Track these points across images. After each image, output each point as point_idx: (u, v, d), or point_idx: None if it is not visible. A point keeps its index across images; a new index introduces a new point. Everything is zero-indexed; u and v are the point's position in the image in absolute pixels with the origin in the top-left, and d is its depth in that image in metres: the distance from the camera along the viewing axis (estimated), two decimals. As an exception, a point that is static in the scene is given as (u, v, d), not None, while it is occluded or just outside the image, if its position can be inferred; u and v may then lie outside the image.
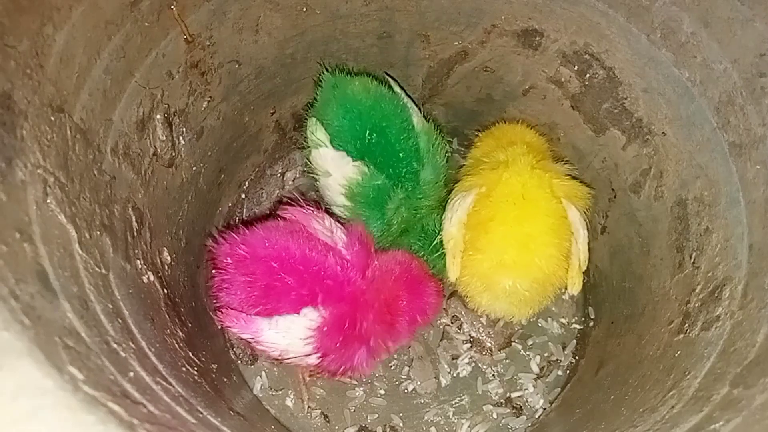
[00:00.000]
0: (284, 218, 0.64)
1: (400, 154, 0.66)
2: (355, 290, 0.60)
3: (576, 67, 0.64)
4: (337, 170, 0.66)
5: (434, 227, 0.69)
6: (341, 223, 0.64)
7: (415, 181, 0.67)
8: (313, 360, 0.61)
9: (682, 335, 0.53)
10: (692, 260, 0.56)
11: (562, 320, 0.75)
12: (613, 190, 0.68)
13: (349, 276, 0.60)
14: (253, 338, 0.60)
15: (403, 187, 0.66)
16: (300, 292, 0.58)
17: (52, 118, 0.42)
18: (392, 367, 0.73)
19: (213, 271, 0.63)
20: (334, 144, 0.67)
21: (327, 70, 0.69)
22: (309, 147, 0.69)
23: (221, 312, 0.60)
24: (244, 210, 0.78)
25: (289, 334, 0.59)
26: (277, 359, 0.63)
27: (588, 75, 0.64)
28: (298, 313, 0.58)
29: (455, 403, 0.71)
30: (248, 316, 0.59)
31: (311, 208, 0.64)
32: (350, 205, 0.67)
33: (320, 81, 0.69)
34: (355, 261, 0.61)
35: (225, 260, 0.60)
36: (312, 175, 0.70)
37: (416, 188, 0.67)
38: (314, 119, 0.69)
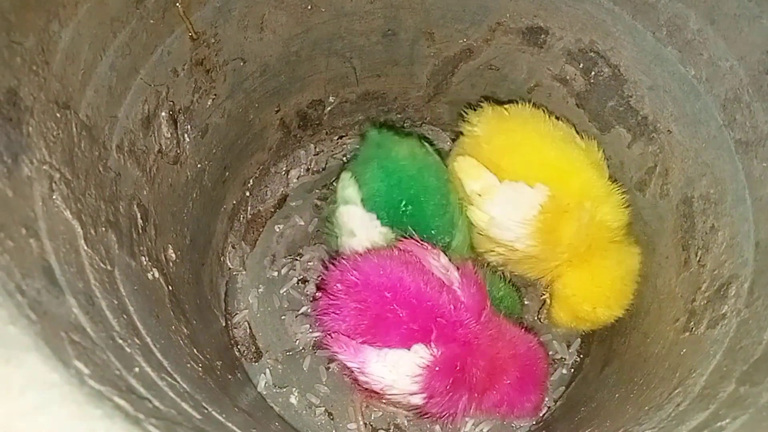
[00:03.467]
0: (399, 249, 0.61)
1: (433, 231, 0.64)
2: (468, 332, 0.57)
3: (581, 65, 0.64)
4: (362, 232, 0.63)
5: None
6: (456, 265, 0.61)
7: (445, 249, 0.64)
8: (417, 400, 0.58)
9: (687, 333, 0.53)
10: (698, 258, 0.56)
11: (567, 319, 0.75)
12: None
13: (462, 317, 0.57)
14: (359, 368, 0.57)
15: None
16: (411, 327, 0.55)
17: (58, 115, 0.42)
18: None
19: (320, 295, 0.61)
20: (366, 205, 0.64)
21: (373, 125, 0.67)
22: (336, 202, 0.66)
23: (330, 337, 0.58)
24: (249, 208, 0.78)
25: (396, 370, 0.56)
26: (376, 394, 0.60)
27: (593, 73, 0.64)
28: (408, 349, 0.56)
29: (459, 402, 0.71)
30: (358, 344, 0.57)
31: (426, 244, 0.61)
32: None
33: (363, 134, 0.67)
34: (469, 303, 0.58)
35: (335, 286, 0.58)
36: (329, 231, 0.67)
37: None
38: (349, 174, 0.66)
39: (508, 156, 0.64)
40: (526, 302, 0.74)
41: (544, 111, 0.67)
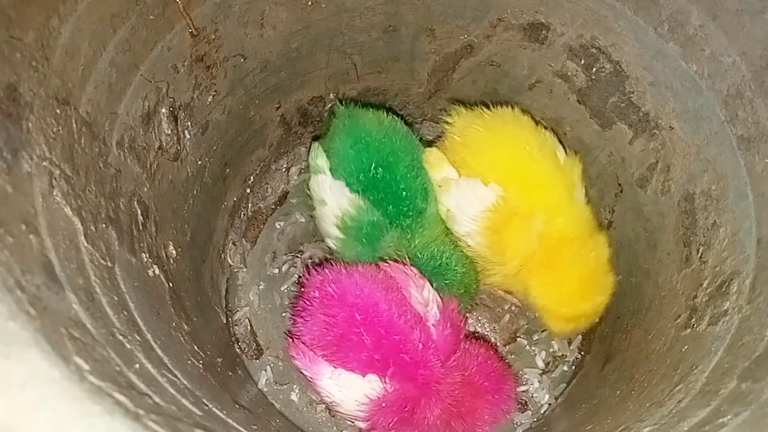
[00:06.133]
0: (384, 272, 0.60)
1: (404, 193, 0.64)
2: (429, 375, 0.56)
3: (582, 61, 0.64)
4: (332, 199, 0.64)
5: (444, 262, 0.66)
6: (440, 298, 0.60)
7: (417, 217, 0.65)
8: (360, 424, 0.58)
9: (689, 330, 0.53)
10: (699, 255, 0.55)
11: (568, 315, 0.75)
12: (619, 184, 0.68)
13: (428, 358, 0.56)
14: (311, 378, 0.58)
15: (400, 226, 0.64)
16: (372, 355, 0.55)
17: (58, 111, 0.42)
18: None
19: (299, 297, 0.61)
20: (335, 173, 0.65)
21: (342, 102, 0.68)
22: (309, 173, 0.67)
23: (292, 340, 0.59)
24: (249, 205, 0.78)
25: (346, 392, 0.56)
26: (327, 404, 0.61)
27: (595, 69, 0.64)
28: (362, 376, 0.56)
29: (460, 398, 0.71)
30: (315, 356, 0.57)
31: (414, 272, 0.61)
32: (343, 237, 0.65)
33: (334, 113, 0.68)
34: (440, 344, 0.57)
35: (312, 292, 0.58)
36: (310, 204, 0.69)
37: (415, 222, 0.65)
38: (317, 144, 0.68)
39: (476, 154, 0.66)
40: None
41: (532, 118, 0.68)
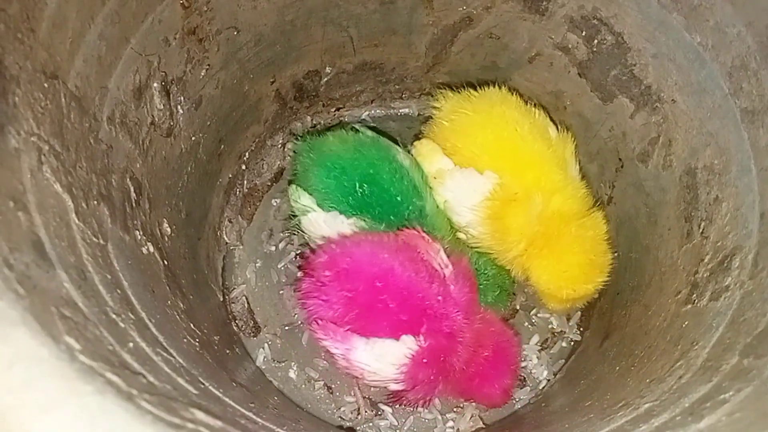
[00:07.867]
0: (395, 238, 0.60)
1: (398, 198, 0.63)
2: (453, 324, 0.57)
3: (584, 33, 0.63)
4: (332, 232, 0.62)
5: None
6: (452, 260, 0.60)
7: (420, 216, 0.64)
8: (398, 387, 0.58)
9: (689, 305, 0.52)
10: (701, 230, 0.55)
11: (567, 292, 0.74)
12: (620, 159, 0.67)
13: (448, 310, 0.57)
14: (343, 355, 0.57)
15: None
16: (400, 318, 0.55)
17: (46, 85, 0.41)
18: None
19: (304, 279, 0.60)
20: (323, 206, 0.63)
21: (298, 138, 0.67)
22: (297, 215, 0.66)
23: (317, 323, 0.58)
24: (245, 182, 0.77)
25: (382, 359, 0.56)
26: (357, 378, 0.61)
27: (596, 41, 0.62)
28: (397, 339, 0.56)
29: (459, 375, 0.71)
30: (345, 332, 0.57)
31: (427, 237, 0.60)
32: None
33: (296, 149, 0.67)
34: (458, 297, 0.58)
35: (323, 273, 0.57)
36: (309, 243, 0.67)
37: (421, 221, 0.63)
38: (294, 186, 0.66)
39: (465, 138, 0.64)
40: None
41: (521, 96, 0.67)
